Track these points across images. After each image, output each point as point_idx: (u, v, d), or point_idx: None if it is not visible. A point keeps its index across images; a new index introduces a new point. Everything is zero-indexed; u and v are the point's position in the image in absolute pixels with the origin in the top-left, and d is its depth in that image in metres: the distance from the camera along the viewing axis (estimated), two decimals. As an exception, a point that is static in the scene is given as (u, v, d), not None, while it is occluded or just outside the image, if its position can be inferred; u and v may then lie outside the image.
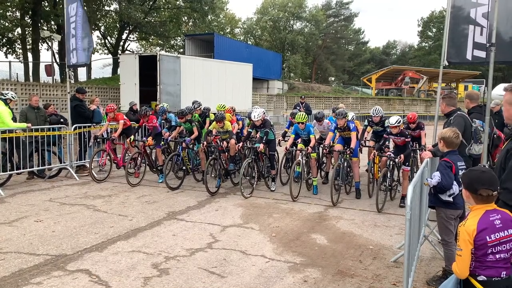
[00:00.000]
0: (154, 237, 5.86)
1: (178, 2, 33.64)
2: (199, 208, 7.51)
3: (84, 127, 10.60)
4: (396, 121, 7.79)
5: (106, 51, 38.60)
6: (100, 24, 34.11)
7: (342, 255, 5.35)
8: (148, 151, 10.01)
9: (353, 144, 8.31)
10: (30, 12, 25.19)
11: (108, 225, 6.37)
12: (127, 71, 18.65)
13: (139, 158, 9.81)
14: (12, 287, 4.25)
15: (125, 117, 10.59)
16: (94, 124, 10.93)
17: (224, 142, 9.05)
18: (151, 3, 33.00)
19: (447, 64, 6.73)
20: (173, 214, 7.10)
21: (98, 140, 10.59)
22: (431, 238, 5.54)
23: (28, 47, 27.00)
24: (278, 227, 6.47)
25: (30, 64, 25.87)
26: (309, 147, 8.50)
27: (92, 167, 9.87)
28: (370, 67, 63.96)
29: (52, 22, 26.54)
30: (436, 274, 4.69)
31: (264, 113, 9.20)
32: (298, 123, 8.78)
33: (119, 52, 33.24)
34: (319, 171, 9.94)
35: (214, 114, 10.00)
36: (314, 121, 9.73)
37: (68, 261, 4.94)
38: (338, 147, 8.69)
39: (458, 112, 5.67)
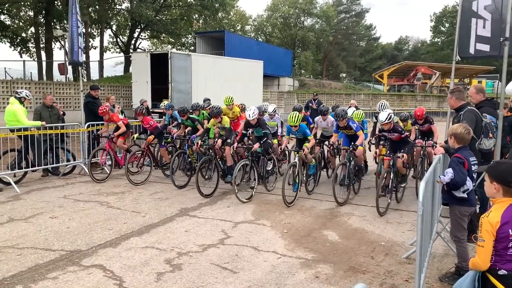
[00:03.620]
0: (166, 233, 5.92)
1: (189, 0, 33.73)
2: (211, 205, 7.56)
3: (97, 124, 10.71)
4: (386, 118, 7.32)
5: (118, 50, 38.97)
6: (111, 23, 34.38)
7: (353, 251, 5.35)
8: (151, 149, 9.96)
9: (359, 142, 8.17)
10: (43, 12, 25.48)
11: (122, 222, 6.45)
12: (138, 69, 18.78)
13: (141, 158, 9.79)
14: (29, 282, 4.34)
15: (120, 116, 10.41)
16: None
17: (219, 141, 8.40)
18: (162, 1, 33.14)
19: (459, 59, 6.64)
20: (185, 210, 7.17)
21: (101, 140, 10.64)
22: (444, 235, 5.50)
23: (41, 46, 27.33)
24: (290, 223, 6.50)
25: (44, 63, 26.18)
26: (305, 148, 7.97)
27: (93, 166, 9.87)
28: (381, 63, 63.48)
29: (65, 21, 26.80)
30: (449, 270, 4.67)
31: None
32: (292, 126, 8.00)
33: (131, 50, 33.48)
34: (325, 170, 9.87)
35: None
36: (319, 116, 9.55)
37: (83, 257, 5.03)
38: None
39: (469, 107, 5.56)
